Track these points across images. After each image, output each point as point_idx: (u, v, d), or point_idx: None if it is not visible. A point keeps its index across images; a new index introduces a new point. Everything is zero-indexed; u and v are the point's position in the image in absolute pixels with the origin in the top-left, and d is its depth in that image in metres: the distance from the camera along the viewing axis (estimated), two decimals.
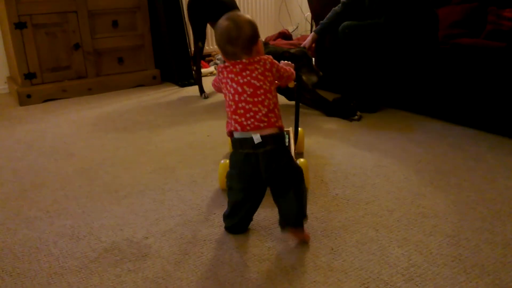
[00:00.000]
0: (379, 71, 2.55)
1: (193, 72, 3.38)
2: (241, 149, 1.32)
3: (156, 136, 2.32)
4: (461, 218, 1.48)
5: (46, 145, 2.23)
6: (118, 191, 1.74)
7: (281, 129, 1.34)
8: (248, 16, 1.37)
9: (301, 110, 2.55)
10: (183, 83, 3.32)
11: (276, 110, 1.34)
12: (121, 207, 1.62)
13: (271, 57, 1.38)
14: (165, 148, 2.15)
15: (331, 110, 2.56)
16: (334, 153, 2.05)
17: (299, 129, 1.95)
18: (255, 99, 1.31)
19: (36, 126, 2.52)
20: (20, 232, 1.47)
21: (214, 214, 1.55)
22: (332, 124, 2.43)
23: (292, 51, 2.56)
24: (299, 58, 2.51)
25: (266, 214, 1.52)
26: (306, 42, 2.75)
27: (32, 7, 2.78)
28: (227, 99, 1.37)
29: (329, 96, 2.68)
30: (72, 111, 2.76)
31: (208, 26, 2.95)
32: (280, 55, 2.46)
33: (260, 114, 1.30)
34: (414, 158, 1.97)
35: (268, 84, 1.33)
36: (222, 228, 1.45)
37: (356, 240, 1.38)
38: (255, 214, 1.44)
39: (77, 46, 2.98)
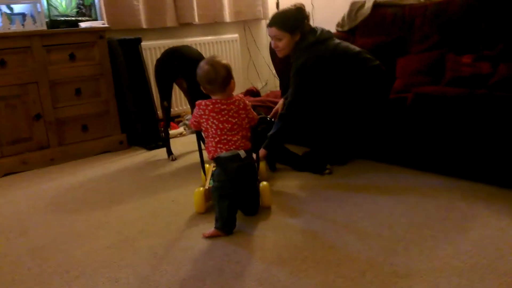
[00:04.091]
0: (346, 124, 2.52)
1: (161, 134, 3.32)
2: (231, 163, 1.78)
3: (117, 205, 2.20)
4: (437, 276, 1.38)
5: (0, 224, 2.09)
6: (70, 271, 1.60)
7: (250, 148, 1.87)
8: (224, 60, 1.85)
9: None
10: (150, 146, 3.24)
11: (247, 136, 1.86)
12: None
13: (243, 98, 1.89)
14: (126, 218, 2.03)
15: (301, 165, 2.50)
16: (304, 209, 1.96)
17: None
18: (233, 132, 1.81)
19: None
20: None
21: None
22: (302, 179, 2.36)
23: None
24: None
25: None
26: (278, 106, 2.75)
27: None
28: (211, 132, 1.81)
29: (299, 150, 2.62)
30: (32, 184, 2.64)
31: (175, 86, 2.93)
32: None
33: (238, 142, 1.81)
34: (385, 210, 1.89)
35: (241, 120, 1.84)
36: None
37: None
38: None
39: (38, 117, 2.90)
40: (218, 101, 1.82)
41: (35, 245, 1.84)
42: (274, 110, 2.76)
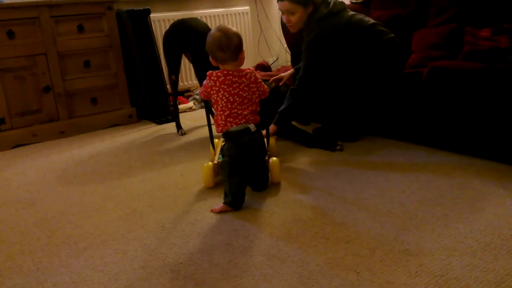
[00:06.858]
0: (358, 99, 2.46)
1: (171, 108, 3.30)
2: (242, 137, 1.75)
3: (126, 178, 2.19)
4: (449, 254, 1.35)
5: (9, 195, 2.09)
6: (78, 242, 1.60)
7: (259, 122, 1.82)
8: (235, 29, 1.78)
9: (280, 142, 2.44)
10: (160, 120, 3.22)
11: (257, 111, 1.81)
12: (80, 261, 1.48)
13: (254, 71, 1.81)
14: (135, 192, 2.02)
15: (311, 141, 2.46)
16: (314, 186, 1.93)
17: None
18: (243, 106, 1.76)
19: (1, 174, 2.39)
20: None
21: (181, 264, 1.41)
22: (312, 155, 2.32)
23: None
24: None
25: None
26: (285, 75, 2.72)
27: None
28: (220, 104, 1.76)
29: (310, 126, 2.58)
30: (41, 156, 2.64)
31: (184, 59, 2.88)
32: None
33: (248, 116, 1.77)
34: (397, 188, 1.85)
35: (251, 93, 1.79)
36: (188, 281, 1.31)
37: (335, 286, 1.24)
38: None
39: (47, 89, 2.88)
40: (230, 72, 1.76)
41: (43, 216, 1.84)
42: (280, 77, 2.74)
